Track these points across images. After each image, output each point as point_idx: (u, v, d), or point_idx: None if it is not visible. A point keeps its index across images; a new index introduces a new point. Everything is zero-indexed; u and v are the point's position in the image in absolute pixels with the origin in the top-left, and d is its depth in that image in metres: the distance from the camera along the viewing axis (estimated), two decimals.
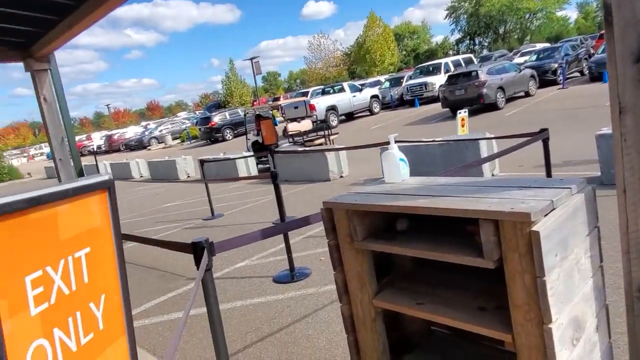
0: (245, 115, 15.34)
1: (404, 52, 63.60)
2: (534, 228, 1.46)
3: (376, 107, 22.18)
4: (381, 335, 2.20)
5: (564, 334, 1.57)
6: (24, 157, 49.91)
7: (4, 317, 0.53)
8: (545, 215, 1.53)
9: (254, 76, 28.28)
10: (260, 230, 2.24)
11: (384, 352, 2.21)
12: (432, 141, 6.58)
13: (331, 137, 10.52)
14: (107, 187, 0.69)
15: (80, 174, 7.07)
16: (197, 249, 2.00)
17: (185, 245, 2.06)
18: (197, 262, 1.98)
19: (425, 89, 20.24)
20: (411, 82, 21.61)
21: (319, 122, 13.53)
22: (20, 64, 6.45)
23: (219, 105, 40.35)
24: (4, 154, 32.78)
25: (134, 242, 5.63)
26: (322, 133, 10.58)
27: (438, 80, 19.55)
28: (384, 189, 2.18)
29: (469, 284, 2.04)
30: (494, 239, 1.59)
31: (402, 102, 22.16)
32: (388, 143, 2.30)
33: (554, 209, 1.57)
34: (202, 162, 7.75)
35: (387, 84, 24.89)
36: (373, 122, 19.26)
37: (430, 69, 21.92)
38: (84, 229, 0.67)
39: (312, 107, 15.38)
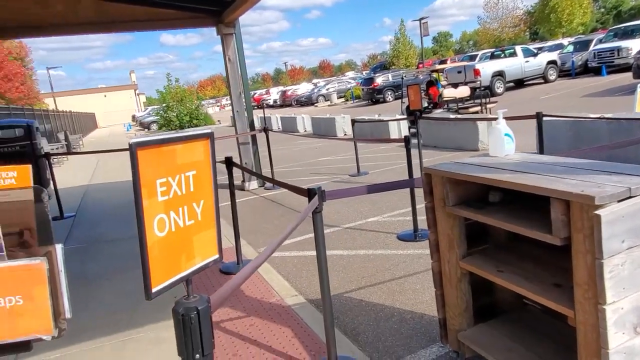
0: (402, 78, 15.38)
1: (602, 10, 54.20)
2: (598, 212, 1.52)
3: (552, 75, 19.79)
4: (465, 295, 2.40)
5: (624, 319, 1.60)
6: (217, 106, 57.69)
7: (144, 198, 1.00)
8: (619, 201, 1.56)
9: (421, 38, 27.65)
10: (366, 186, 2.58)
11: (466, 310, 2.42)
12: (600, 117, 5.94)
13: (488, 106, 10.03)
14: (209, 136, 1.13)
15: (252, 124, 8.25)
16: (311, 194, 2.45)
17: (302, 189, 2.53)
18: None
19: (618, 54, 17.21)
20: (601, 46, 18.52)
21: (482, 88, 12.87)
22: (214, 29, 7.70)
23: (384, 67, 40.57)
24: (202, 102, 38.47)
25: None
26: (479, 101, 10.15)
27: (636, 46, 16.48)
28: (482, 161, 2.31)
29: (557, 261, 2.10)
30: (563, 217, 1.67)
31: (585, 70, 19.34)
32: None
33: (630, 197, 1.57)
34: (353, 122, 8.28)
35: (569, 48, 21.81)
36: (545, 91, 17.43)
37: (630, 31, 18.46)
38: (193, 160, 1.11)
39: (477, 73, 14.61)
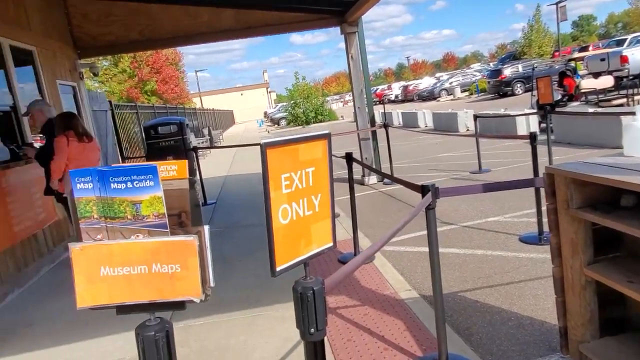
0: (534, 69, 14.16)
1: None
2: None
3: None
4: (590, 304, 2.25)
5: None
6: (341, 102, 59.08)
7: (271, 190, 1.19)
8: None
9: (557, 23, 25.04)
10: (482, 184, 2.54)
11: (590, 321, 2.27)
12: None
13: (637, 98, 8.78)
14: (327, 136, 1.28)
15: (372, 120, 8.40)
16: (424, 190, 2.50)
17: (416, 185, 2.59)
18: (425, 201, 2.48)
19: None
20: None
21: (630, 77, 11.31)
22: (337, 28, 7.99)
23: (514, 57, 37.58)
24: (327, 99, 39.76)
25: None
26: (625, 92, 8.94)
27: None
28: (614, 161, 2.14)
29: None
30: None
31: None
32: None
33: None
34: (475, 117, 7.95)
35: None
36: None
37: None
38: (312, 157, 1.27)
39: (624, 60, 12.78)
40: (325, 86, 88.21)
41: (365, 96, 8.21)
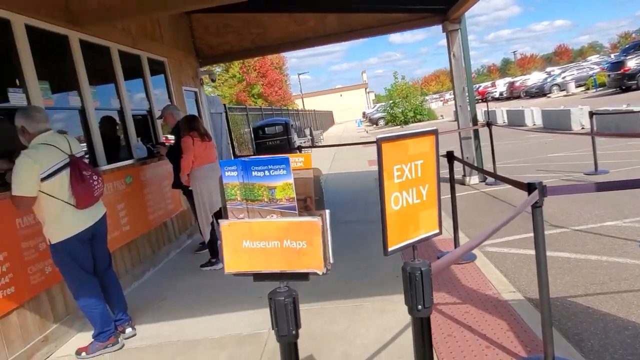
0: None
1: None
2: None
3: None
4: None
5: None
6: (440, 101, 57.42)
7: (385, 179, 1.36)
8: None
9: None
10: (594, 183, 2.45)
11: None
12: None
13: None
14: (434, 132, 1.41)
15: (475, 118, 8.17)
16: (531, 188, 2.49)
17: (521, 183, 2.58)
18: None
19: None
20: None
21: None
22: (439, 27, 7.92)
23: None
24: (426, 98, 38.94)
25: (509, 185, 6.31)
26: None
27: None
28: None
29: None
30: None
31: None
32: None
33: None
34: (591, 114, 7.35)
35: None
36: None
37: None
38: (421, 151, 1.40)
39: None
40: (424, 85, 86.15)
41: (467, 94, 8.02)
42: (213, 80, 8.87)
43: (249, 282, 4.63)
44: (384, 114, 34.48)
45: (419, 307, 1.41)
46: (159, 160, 5.65)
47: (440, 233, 1.52)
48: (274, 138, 9.96)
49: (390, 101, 32.40)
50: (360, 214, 6.73)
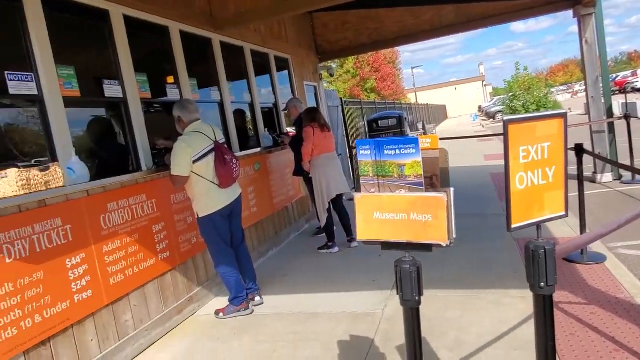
0: None
1: None
2: None
3: None
4: None
5: None
6: (568, 93, 52.29)
7: (510, 159, 1.44)
8: None
9: None
10: None
11: None
12: None
13: None
14: (563, 115, 1.44)
15: (609, 111, 7.43)
16: None
17: None
18: None
19: None
20: None
21: None
22: (570, 11, 7.34)
23: None
24: (552, 89, 35.79)
25: None
26: None
27: None
28: None
29: None
30: None
31: None
32: None
33: None
34: None
35: None
36: None
37: None
38: (548, 134, 1.44)
39: None
40: (550, 76, 78.96)
41: (601, 84, 7.32)
42: (331, 75, 9.24)
43: (363, 266, 4.89)
44: (502, 107, 32.46)
45: (542, 284, 1.47)
46: (282, 149, 6.12)
47: (566, 215, 1.55)
48: (388, 131, 10.09)
49: (510, 94, 30.38)
50: (475, 207, 6.58)
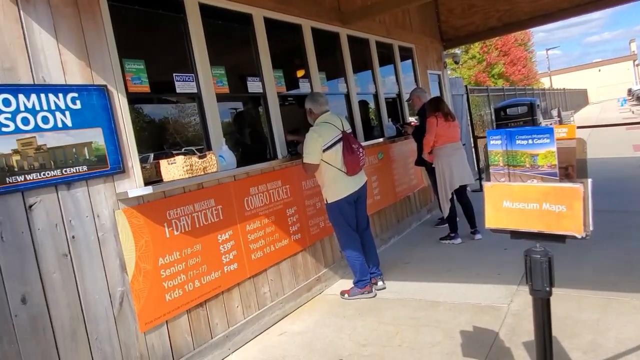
0: None
1: None
2: None
3: None
4: None
5: None
6: None
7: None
8: None
9: None
10: None
11: None
12: None
13: None
14: None
15: None
16: None
17: None
18: None
19: None
20: None
21: None
22: None
23: None
24: None
25: None
26: None
27: None
28: None
29: None
30: None
31: None
32: None
33: None
34: None
35: None
36: None
37: None
38: None
39: None
40: None
41: None
42: (456, 62, 8.96)
43: (487, 259, 4.81)
44: None
45: None
46: (405, 139, 6.18)
47: None
48: (517, 119, 9.46)
49: None
50: (620, 203, 5.94)
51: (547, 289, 1.62)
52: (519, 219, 1.63)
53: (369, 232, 4.22)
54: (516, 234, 1.67)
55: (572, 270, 3.95)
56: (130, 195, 2.72)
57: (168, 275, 2.96)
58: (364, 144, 5.24)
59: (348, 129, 4.00)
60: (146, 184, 2.92)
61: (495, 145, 1.67)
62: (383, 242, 5.49)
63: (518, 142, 1.60)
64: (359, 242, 4.04)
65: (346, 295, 4.09)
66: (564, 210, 1.52)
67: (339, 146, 3.83)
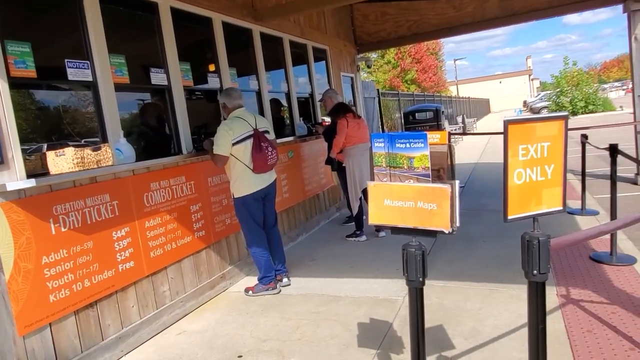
0: None
1: None
2: None
3: None
4: None
5: None
6: (622, 89, 49.69)
7: (509, 156, 1.56)
8: None
9: None
10: None
11: None
12: None
13: None
14: (564, 117, 1.54)
15: None
16: None
17: None
18: None
19: None
20: None
21: None
22: (620, 6, 7.09)
23: None
24: (604, 86, 34.15)
25: None
26: None
27: None
28: None
29: None
30: None
31: None
32: None
33: None
34: None
35: None
36: None
37: None
38: (548, 134, 1.53)
39: None
40: (603, 72, 75.05)
41: None
42: (369, 67, 9.30)
43: (388, 255, 5.04)
44: (548, 103, 31.33)
45: (534, 272, 1.59)
46: (316, 138, 6.30)
47: (563, 210, 1.65)
48: (424, 124, 10.09)
49: (557, 89, 29.27)
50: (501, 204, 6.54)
51: (421, 279, 1.76)
52: (397, 215, 1.75)
53: (276, 230, 4.25)
54: (396, 230, 1.79)
55: (461, 265, 4.30)
56: (9, 189, 2.50)
57: (53, 275, 2.76)
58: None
59: (263, 127, 4.01)
60: (30, 176, 2.70)
61: (379, 147, 1.78)
62: (291, 239, 5.56)
63: (397, 145, 1.72)
64: (265, 239, 4.06)
65: (250, 292, 4.09)
66: (434, 208, 1.66)
67: (249, 142, 3.83)
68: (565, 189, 1.61)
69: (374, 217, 1.80)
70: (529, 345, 1.77)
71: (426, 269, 1.76)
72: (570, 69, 28.87)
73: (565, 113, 1.54)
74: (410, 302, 1.81)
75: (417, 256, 1.73)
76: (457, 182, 1.68)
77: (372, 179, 1.83)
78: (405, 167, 1.72)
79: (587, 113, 27.05)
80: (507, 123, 1.49)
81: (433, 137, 1.72)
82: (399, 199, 1.73)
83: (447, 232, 1.66)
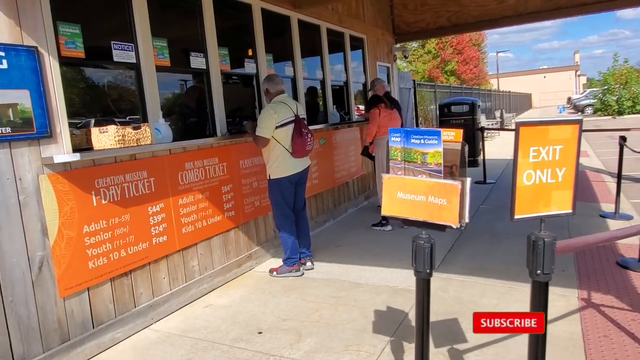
0: None
1: None
2: None
3: None
4: None
5: None
6: None
7: (519, 157, 1.61)
8: None
9: None
10: None
11: None
12: None
13: None
14: (579, 122, 1.57)
15: None
16: None
17: None
18: None
19: None
20: None
21: None
22: None
23: None
24: None
25: None
26: None
27: None
28: None
29: None
30: None
31: None
32: None
33: None
34: None
35: None
36: None
37: None
38: (562, 137, 1.56)
39: None
40: None
41: None
42: (405, 57, 9.25)
43: (410, 246, 5.05)
44: (593, 100, 29.99)
45: (538, 272, 1.64)
46: (349, 127, 6.37)
47: (573, 213, 1.69)
48: (459, 117, 9.94)
49: (604, 87, 27.94)
50: None
51: (428, 270, 1.84)
52: (409, 208, 1.83)
53: (304, 214, 4.39)
54: (407, 222, 1.88)
55: (483, 261, 4.32)
56: (56, 161, 2.72)
57: (92, 243, 2.99)
58: None
59: (302, 114, 4.15)
60: (76, 150, 2.92)
61: (396, 141, 1.86)
62: (318, 225, 5.70)
63: (412, 140, 1.79)
64: (293, 222, 4.22)
65: (274, 272, 4.26)
66: (444, 203, 1.73)
67: (291, 127, 3.99)
68: (576, 192, 1.64)
69: (387, 209, 1.89)
70: (529, 345, 1.83)
71: (434, 261, 1.84)
72: (619, 66, 27.48)
73: (580, 118, 1.57)
74: (417, 293, 1.90)
75: (425, 248, 1.81)
76: (469, 179, 1.74)
77: (388, 171, 1.91)
78: (419, 162, 1.79)
79: (635, 113, 25.76)
80: (518, 125, 1.53)
81: (447, 134, 1.78)
82: (412, 192, 1.81)
83: (455, 227, 1.73)
